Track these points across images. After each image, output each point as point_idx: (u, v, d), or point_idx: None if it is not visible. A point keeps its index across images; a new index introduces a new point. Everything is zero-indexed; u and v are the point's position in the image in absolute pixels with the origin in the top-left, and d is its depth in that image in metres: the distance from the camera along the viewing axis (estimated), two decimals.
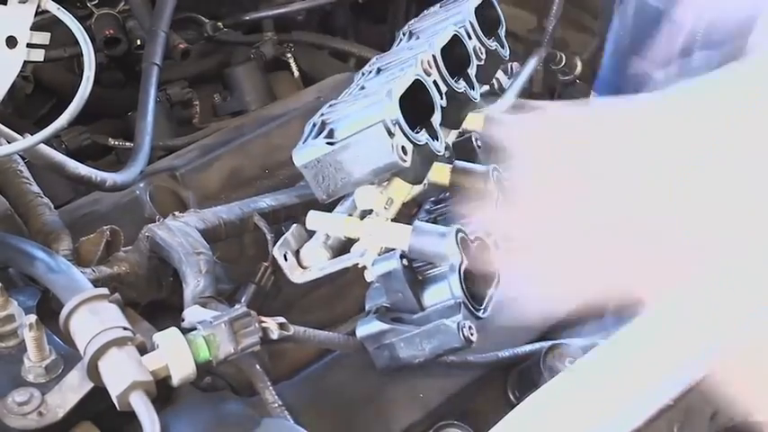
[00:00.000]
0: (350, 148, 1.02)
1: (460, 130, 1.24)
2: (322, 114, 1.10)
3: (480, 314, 1.02)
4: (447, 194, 1.22)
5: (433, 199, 1.23)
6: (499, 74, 1.63)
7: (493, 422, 0.87)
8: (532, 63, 1.71)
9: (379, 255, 1.06)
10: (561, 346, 1.11)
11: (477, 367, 1.12)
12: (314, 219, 1.11)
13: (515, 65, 1.69)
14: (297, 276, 1.12)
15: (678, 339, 0.89)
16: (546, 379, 1.04)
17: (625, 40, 1.65)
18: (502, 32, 1.25)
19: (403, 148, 1.01)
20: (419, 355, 1.03)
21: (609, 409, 0.84)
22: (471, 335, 1.00)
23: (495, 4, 1.25)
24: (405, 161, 1.01)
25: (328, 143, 1.03)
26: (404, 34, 1.34)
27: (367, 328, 1.05)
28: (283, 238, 1.12)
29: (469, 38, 1.19)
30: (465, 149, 1.23)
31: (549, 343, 1.11)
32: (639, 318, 0.93)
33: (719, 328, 0.61)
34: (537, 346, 1.13)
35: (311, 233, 1.14)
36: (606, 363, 0.90)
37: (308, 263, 1.12)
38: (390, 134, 1.00)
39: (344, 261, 1.10)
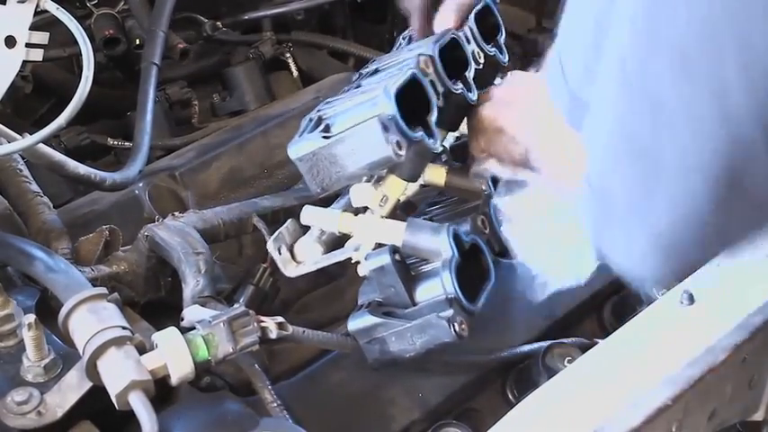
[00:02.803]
0: (345, 142, 1.02)
1: (458, 134, 1.24)
2: (319, 110, 1.10)
3: (472, 308, 1.02)
4: (442, 196, 1.22)
5: (428, 200, 1.23)
6: (498, 80, 1.63)
7: (492, 422, 0.86)
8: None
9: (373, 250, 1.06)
10: (560, 346, 1.11)
11: (476, 367, 1.12)
12: (308, 214, 1.11)
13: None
14: (290, 270, 1.12)
15: (677, 339, 0.90)
16: (545, 378, 1.04)
17: None
18: (501, 39, 1.25)
19: (398, 142, 1.01)
20: (410, 349, 1.03)
21: (608, 408, 0.84)
22: (462, 330, 1.00)
23: (495, 10, 1.25)
24: (399, 155, 1.01)
25: (324, 137, 1.03)
26: (404, 39, 1.34)
27: (358, 321, 1.04)
28: (278, 232, 1.12)
29: (468, 42, 1.18)
30: (462, 153, 1.23)
31: (549, 342, 1.11)
32: (638, 318, 0.93)
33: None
34: (536, 345, 1.12)
35: (306, 228, 1.14)
36: (605, 362, 0.90)
37: (302, 257, 1.12)
38: (386, 129, 1.00)
39: (338, 255, 1.10)
